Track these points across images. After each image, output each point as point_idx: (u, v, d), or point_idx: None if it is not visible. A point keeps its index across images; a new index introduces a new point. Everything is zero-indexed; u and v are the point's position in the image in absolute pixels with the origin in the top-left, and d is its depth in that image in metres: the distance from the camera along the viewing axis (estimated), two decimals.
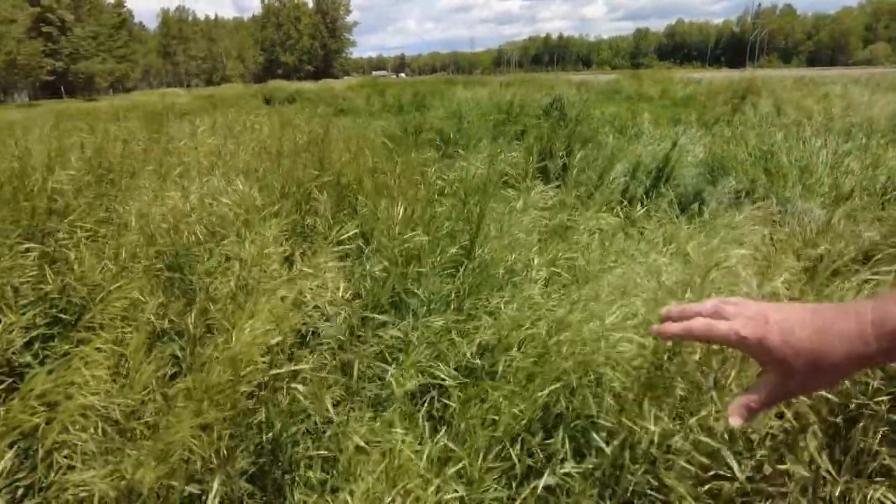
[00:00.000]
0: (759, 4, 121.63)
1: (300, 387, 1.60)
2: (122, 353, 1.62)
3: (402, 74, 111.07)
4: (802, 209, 4.00)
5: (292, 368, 1.69)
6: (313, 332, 1.96)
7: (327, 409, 1.56)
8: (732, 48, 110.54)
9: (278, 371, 1.63)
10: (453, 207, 2.93)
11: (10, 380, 1.43)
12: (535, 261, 2.26)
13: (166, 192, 2.67)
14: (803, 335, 0.53)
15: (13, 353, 1.48)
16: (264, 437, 1.63)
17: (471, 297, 2.12)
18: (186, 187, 2.68)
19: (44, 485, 1.28)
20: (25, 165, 2.63)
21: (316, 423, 1.64)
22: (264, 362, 1.59)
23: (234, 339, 1.60)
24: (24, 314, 1.60)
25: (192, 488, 1.46)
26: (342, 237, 2.23)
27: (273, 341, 1.63)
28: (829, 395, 1.50)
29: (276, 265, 2.11)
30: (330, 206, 2.44)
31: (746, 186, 4.51)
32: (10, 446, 1.26)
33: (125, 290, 1.89)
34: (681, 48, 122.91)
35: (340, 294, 2.00)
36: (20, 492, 1.27)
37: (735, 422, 0.59)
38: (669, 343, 1.52)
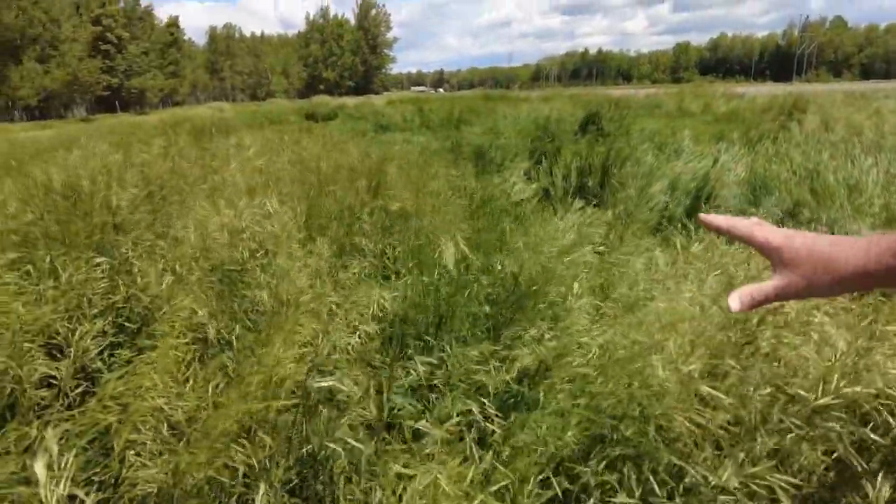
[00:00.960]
0: (807, 17, 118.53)
1: (334, 412, 1.63)
2: (178, 359, 1.73)
3: (441, 90, 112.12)
4: (851, 231, 3.90)
5: (325, 383, 1.76)
6: (350, 352, 2.02)
7: (360, 441, 1.59)
8: (777, 62, 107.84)
9: (317, 385, 1.68)
10: (490, 229, 2.98)
11: (86, 383, 1.55)
12: (576, 288, 2.26)
13: (219, 210, 2.80)
14: (821, 243, 0.61)
15: (88, 359, 1.61)
16: (304, 451, 1.69)
17: (510, 326, 2.14)
18: (237, 205, 2.81)
19: (115, 480, 1.38)
20: (93, 182, 2.82)
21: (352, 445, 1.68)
22: (300, 380, 1.66)
23: (272, 353, 1.67)
24: (95, 324, 1.73)
25: (240, 489, 1.54)
26: (386, 257, 2.32)
27: (308, 358, 1.70)
28: None
29: (322, 282, 2.20)
30: (378, 227, 2.53)
31: (791, 207, 4.43)
32: (89, 443, 1.38)
33: (181, 301, 2.01)
34: (723, 62, 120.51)
35: (379, 313, 2.05)
36: (95, 486, 1.38)
37: (734, 306, 0.65)
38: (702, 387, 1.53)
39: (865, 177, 4.84)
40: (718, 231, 0.74)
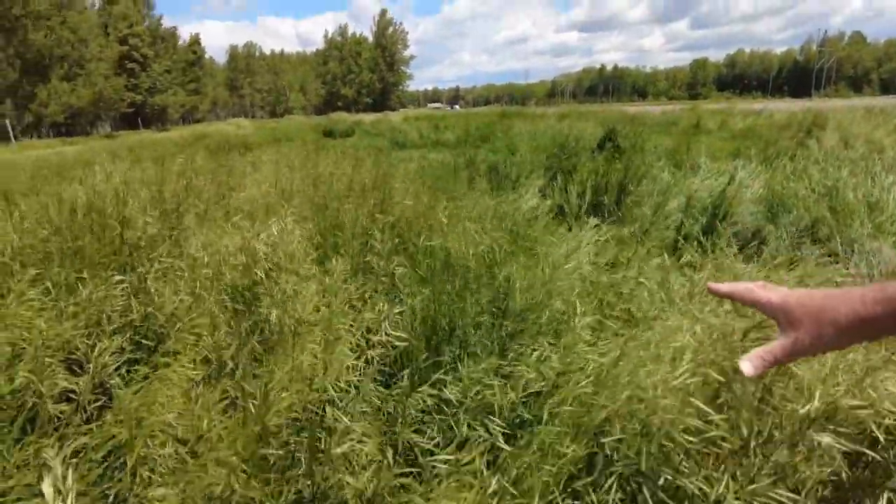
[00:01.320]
0: (826, 32, 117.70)
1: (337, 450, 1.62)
2: (189, 378, 1.75)
3: (457, 106, 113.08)
4: (871, 249, 3.85)
5: (331, 410, 1.76)
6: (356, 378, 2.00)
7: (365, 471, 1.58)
8: (796, 77, 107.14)
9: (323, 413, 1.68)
10: (500, 246, 2.97)
11: (104, 398, 1.59)
12: (580, 308, 2.24)
13: (234, 229, 2.85)
14: (816, 297, 0.64)
15: (106, 374, 1.64)
16: (310, 482, 1.69)
17: (515, 339, 2.13)
18: (252, 226, 2.84)
19: (127, 497, 1.40)
20: (110, 200, 2.89)
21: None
22: (309, 405, 1.67)
23: (279, 376, 1.68)
24: (114, 341, 1.76)
25: None
26: (395, 274, 2.33)
27: (316, 385, 1.70)
28: None
29: (333, 302, 2.21)
30: (388, 244, 2.55)
31: (809, 224, 4.37)
32: (104, 458, 1.40)
33: (196, 320, 2.04)
34: (740, 78, 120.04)
35: (387, 333, 2.04)
36: (109, 501, 1.40)
37: (747, 371, 0.68)
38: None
39: (886, 195, 4.77)
40: (720, 296, 0.78)
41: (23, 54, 39.25)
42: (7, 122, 35.14)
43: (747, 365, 0.67)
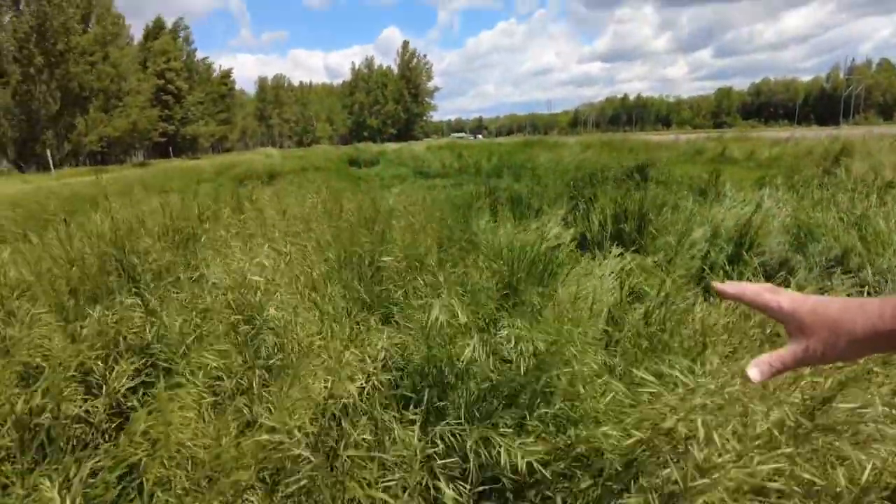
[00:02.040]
0: (853, 60, 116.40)
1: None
2: (197, 402, 1.75)
3: (480, 136, 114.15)
4: None
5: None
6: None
7: None
8: (822, 105, 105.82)
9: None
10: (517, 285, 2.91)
11: (119, 419, 1.60)
12: (592, 368, 2.04)
13: (249, 255, 2.88)
14: (832, 307, 0.61)
15: (122, 396, 1.66)
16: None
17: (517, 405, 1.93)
18: (268, 253, 2.87)
19: None
20: (131, 229, 2.97)
21: None
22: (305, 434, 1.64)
23: (284, 402, 1.67)
24: (132, 363, 1.78)
25: None
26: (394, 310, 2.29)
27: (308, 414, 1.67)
28: None
29: (336, 330, 2.19)
30: (394, 277, 2.52)
31: (839, 254, 4.25)
32: (119, 480, 1.40)
33: (208, 344, 2.06)
34: (766, 106, 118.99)
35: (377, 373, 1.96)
36: None
37: (754, 377, 0.65)
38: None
39: None
40: (727, 298, 0.74)
41: (65, 87, 41.03)
42: (48, 151, 36.56)
43: (755, 371, 0.65)
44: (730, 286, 0.72)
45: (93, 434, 1.55)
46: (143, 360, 2.01)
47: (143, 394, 1.91)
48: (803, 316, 0.63)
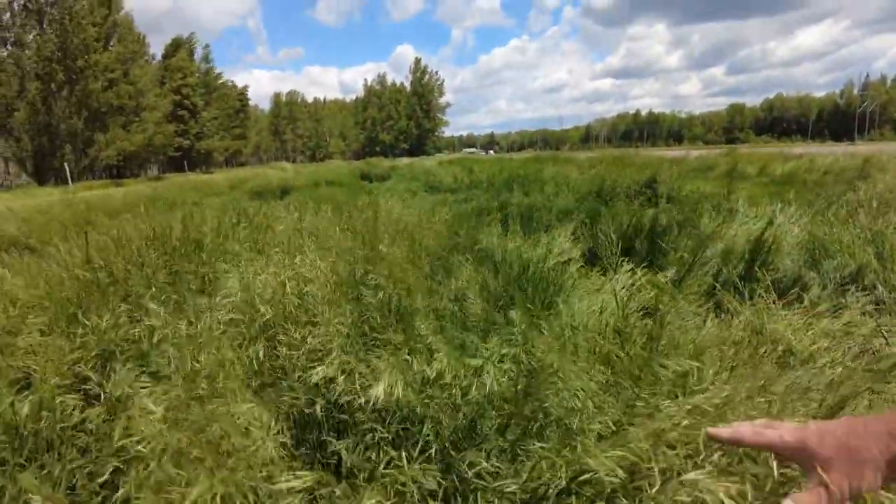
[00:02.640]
0: (867, 76, 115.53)
1: None
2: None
3: (491, 151, 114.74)
4: None
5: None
6: None
7: None
8: (836, 121, 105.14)
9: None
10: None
11: (112, 426, 1.61)
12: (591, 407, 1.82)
13: (263, 269, 2.89)
14: (839, 433, 0.56)
15: (117, 401, 1.66)
16: None
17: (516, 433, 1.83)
18: (278, 269, 2.86)
19: None
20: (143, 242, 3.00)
21: None
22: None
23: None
24: (130, 371, 1.79)
25: None
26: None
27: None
28: None
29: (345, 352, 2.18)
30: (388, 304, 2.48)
31: (854, 271, 4.19)
32: (101, 487, 1.40)
33: (220, 353, 2.06)
34: (779, 122, 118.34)
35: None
36: None
37: None
38: None
39: None
40: (724, 442, 0.68)
41: (84, 103, 41.92)
42: (67, 165, 37.27)
43: None
44: (724, 431, 0.67)
45: (86, 440, 1.56)
46: (144, 368, 2.02)
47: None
48: (814, 448, 0.57)
